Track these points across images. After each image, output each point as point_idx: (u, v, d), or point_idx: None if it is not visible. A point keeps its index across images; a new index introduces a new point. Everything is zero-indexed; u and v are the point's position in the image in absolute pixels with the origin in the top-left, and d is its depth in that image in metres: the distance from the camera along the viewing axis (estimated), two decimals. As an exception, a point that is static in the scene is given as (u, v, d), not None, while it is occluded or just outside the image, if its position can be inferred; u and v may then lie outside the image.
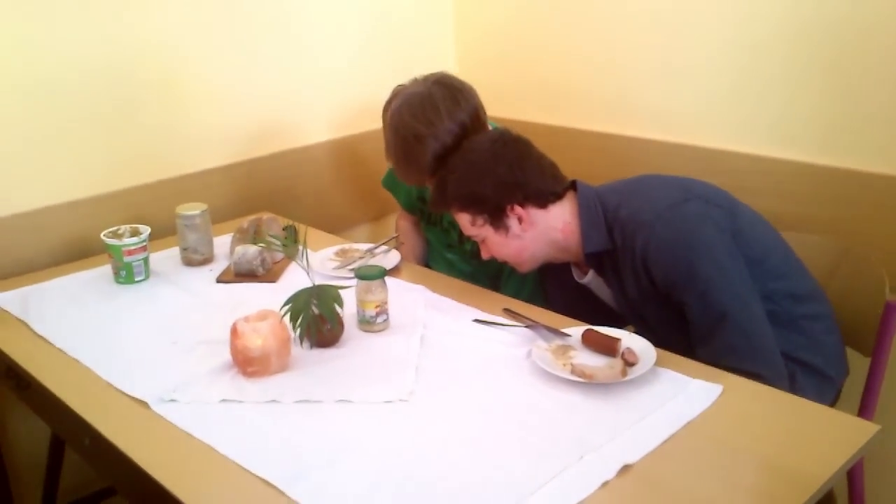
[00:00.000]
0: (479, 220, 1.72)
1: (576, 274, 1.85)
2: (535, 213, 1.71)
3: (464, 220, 1.75)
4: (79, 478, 2.17)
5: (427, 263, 2.31)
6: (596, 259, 1.74)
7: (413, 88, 1.89)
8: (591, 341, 1.58)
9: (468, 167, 1.73)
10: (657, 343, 1.56)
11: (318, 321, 1.57)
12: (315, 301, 1.56)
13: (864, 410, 1.80)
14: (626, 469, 1.22)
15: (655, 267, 1.61)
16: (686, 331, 1.63)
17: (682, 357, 1.55)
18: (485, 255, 1.79)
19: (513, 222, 1.71)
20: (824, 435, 1.32)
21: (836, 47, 1.98)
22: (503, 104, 2.37)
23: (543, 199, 1.72)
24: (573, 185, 1.75)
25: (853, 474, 1.81)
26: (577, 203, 1.72)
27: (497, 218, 1.71)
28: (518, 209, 1.70)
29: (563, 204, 1.74)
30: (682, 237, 1.60)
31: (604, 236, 1.69)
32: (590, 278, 1.81)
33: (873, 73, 1.95)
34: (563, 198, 1.74)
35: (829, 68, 2.00)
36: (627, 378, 1.44)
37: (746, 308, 1.58)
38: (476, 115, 1.89)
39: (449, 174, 1.74)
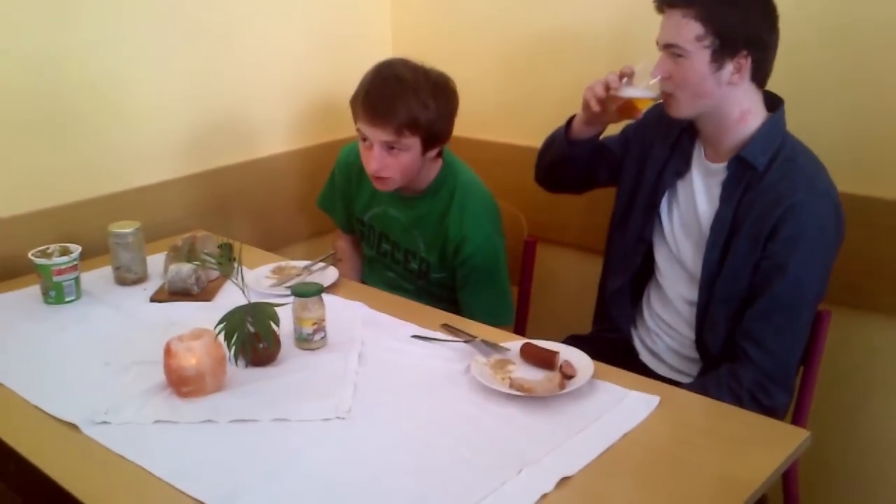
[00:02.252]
0: (707, 41, 1.61)
1: (707, 154, 1.78)
2: (747, 77, 1.65)
3: (688, 28, 1.62)
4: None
5: (364, 282, 2.30)
6: (737, 166, 1.69)
7: None
8: (529, 355, 1.59)
9: None
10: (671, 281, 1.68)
11: (253, 339, 1.55)
12: (250, 319, 1.54)
13: (798, 418, 1.84)
14: (564, 482, 1.23)
15: (792, 225, 1.59)
16: (716, 288, 1.69)
17: (620, 369, 1.56)
18: (660, 71, 1.68)
19: (729, 67, 1.63)
20: (757, 442, 1.35)
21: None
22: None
23: (764, 75, 1.67)
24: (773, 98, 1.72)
25: (788, 479, 1.85)
26: (772, 115, 1.69)
27: (724, 52, 1.62)
28: (746, 60, 1.63)
29: (759, 97, 1.70)
30: (829, 228, 1.62)
31: (766, 157, 1.65)
32: (718, 168, 1.73)
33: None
34: (759, 94, 1.70)
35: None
36: (565, 391, 1.45)
37: (808, 321, 1.66)
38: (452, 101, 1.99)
39: None
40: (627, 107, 1.76)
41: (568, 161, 1.97)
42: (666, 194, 1.86)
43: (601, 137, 1.96)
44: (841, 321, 1.88)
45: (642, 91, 1.73)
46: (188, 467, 1.28)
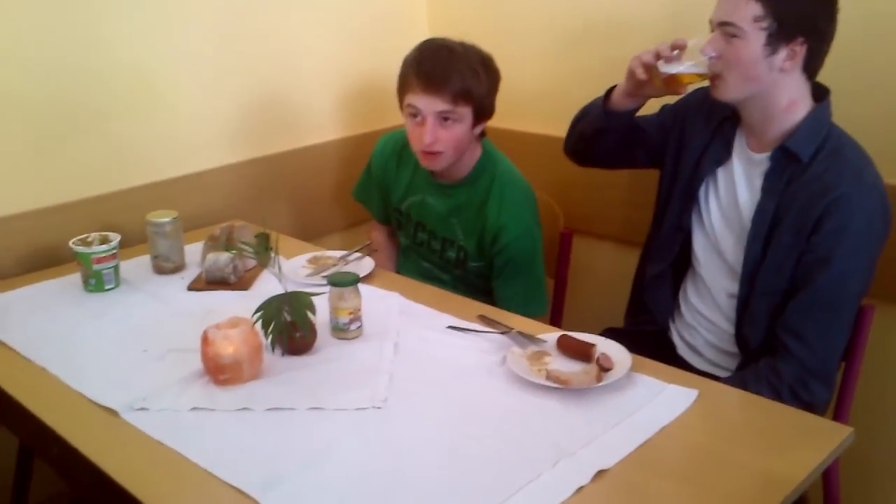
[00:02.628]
0: (765, 23, 1.58)
1: (750, 144, 1.75)
2: (799, 66, 1.63)
3: (747, 8, 1.58)
4: (48, 489, 2.12)
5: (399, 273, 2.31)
6: (781, 156, 1.66)
7: None
8: (566, 347, 1.58)
9: None
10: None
11: (289, 328, 1.55)
12: (287, 308, 1.54)
13: (840, 414, 1.82)
14: (600, 474, 1.22)
15: (837, 218, 1.57)
16: (758, 281, 1.67)
17: (658, 363, 1.55)
18: (711, 50, 1.64)
19: (783, 53, 1.60)
20: (799, 438, 1.32)
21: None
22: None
23: (816, 66, 1.65)
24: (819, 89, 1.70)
25: (828, 477, 1.82)
26: (818, 105, 1.66)
27: (781, 37, 1.59)
28: (801, 48, 1.60)
29: (807, 88, 1.67)
30: (875, 221, 1.60)
31: (811, 148, 1.63)
32: (761, 158, 1.70)
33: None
34: (808, 86, 1.67)
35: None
36: (603, 383, 1.44)
37: (851, 316, 1.64)
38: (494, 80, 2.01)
39: None
40: (673, 80, 1.72)
41: (601, 133, 1.93)
42: (705, 183, 1.83)
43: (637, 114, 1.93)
44: (884, 317, 1.84)
45: (691, 66, 1.69)
46: (224, 454, 1.29)
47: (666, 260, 1.93)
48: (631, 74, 1.78)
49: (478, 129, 2.01)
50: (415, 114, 1.96)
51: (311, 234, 2.50)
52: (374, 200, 2.32)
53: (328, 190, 2.66)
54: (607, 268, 2.49)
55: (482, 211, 2.05)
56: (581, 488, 1.19)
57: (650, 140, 1.95)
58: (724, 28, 1.63)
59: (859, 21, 1.89)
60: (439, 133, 1.94)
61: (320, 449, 1.30)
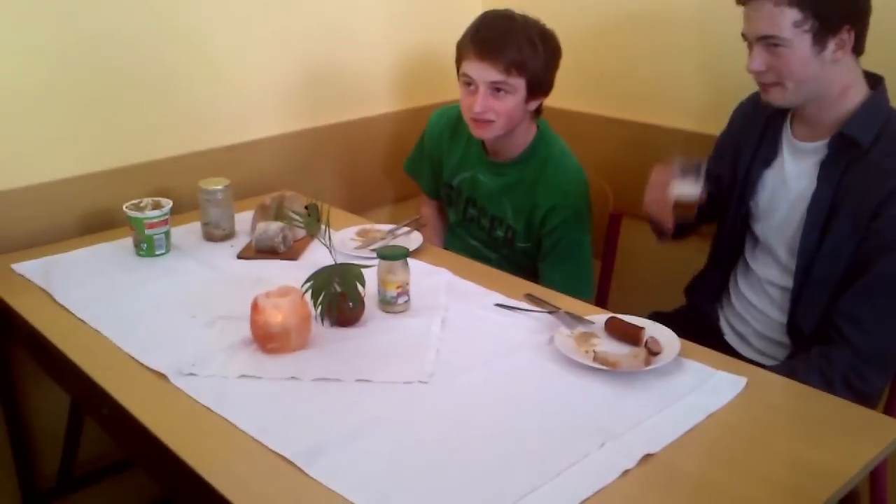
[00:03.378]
0: (807, 25, 1.55)
1: (795, 133, 1.74)
2: (849, 51, 1.59)
3: (784, 16, 1.55)
4: (98, 448, 2.17)
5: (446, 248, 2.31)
6: (840, 143, 1.63)
7: None
8: (614, 329, 1.57)
9: None
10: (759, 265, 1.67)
11: (339, 299, 1.56)
12: (337, 279, 1.55)
13: (892, 407, 1.78)
14: (647, 458, 1.21)
15: (894, 205, 1.54)
16: (814, 269, 1.65)
17: (706, 348, 1.53)
18: (757, 66, 1.63)
19: (832, 45, 1.57)
20: (850, 431, 1.30)
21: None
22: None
23: (862, 43, 1.61)
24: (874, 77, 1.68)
25: (877, 475, 1.79)
26: (876, 91, 1.64)
27: (825, 32, 1.55)
28: (849, 35, 1.56)
29: (859, 68, 1.64)
30: None
31: (871, 132, 1.59)
32: (809, 147, 1.69)
33: None
34: (859, 66, 1.64)
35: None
36: (651, 367, 1.43)
37: None
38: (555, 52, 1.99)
39: None
40: (680, 206, 1.73)
41: (687, 227, 1.94)
42: (757, 183, 1.80)
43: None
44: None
45: (690, 188, 1.70)
46: (271, 422, 1.30)
47: (721, 265, 1.93)
48: (657, 225, 1.80)
49: (532, 105, 1.99)
50: (469, 82, 1.96)
51: (360, 206, 2.51)
52: (424, 174, 2.32)
53: (379, 163, 2.67)
54: (655, 252, 2.45)
55: (533, 191, 2.04)
56: (627, 471, 1.18)
57: (725, 185, 1.91)
58: (765, 41, 1.60)
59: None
60: (491, 102, 1.93)
61: (366, 421, 1.30)
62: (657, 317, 1.74)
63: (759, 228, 1.80)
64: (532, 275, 2.10)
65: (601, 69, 2.56)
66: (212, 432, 1.31)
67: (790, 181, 1.72)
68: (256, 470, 1.22)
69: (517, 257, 2.14)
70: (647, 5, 2.39)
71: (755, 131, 1.81)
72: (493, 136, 2.00)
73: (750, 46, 1.65)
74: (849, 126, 1.61)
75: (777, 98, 1.66)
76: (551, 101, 2.09)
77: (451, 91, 2.08)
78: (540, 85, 1.96)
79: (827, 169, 1.65)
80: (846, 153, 1.62)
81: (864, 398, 1.56)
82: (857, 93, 1.63)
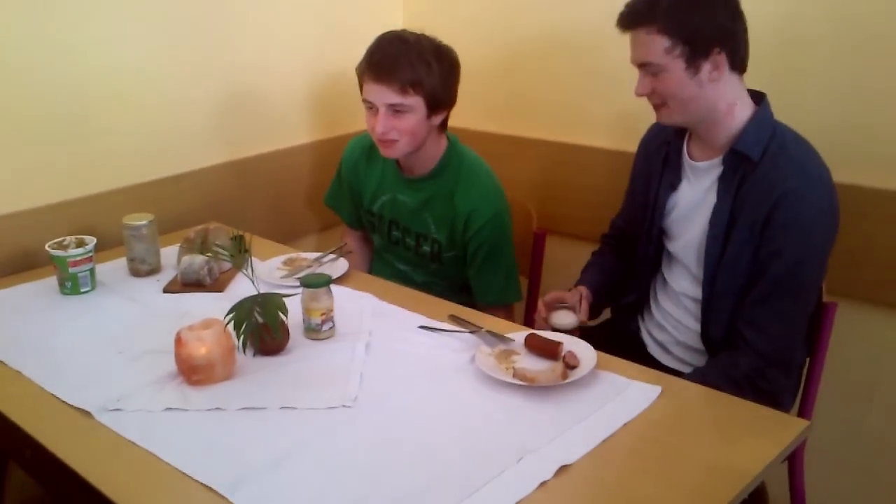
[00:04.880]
0: (677, 51, 1.63)
1: (693, 154, 1.80)
2: (725, 71, 1.66)
3: (656, 43, 1.63)
4: (24, 493, 2.14)
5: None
6: (732, 159, 1.70)
7: None
8: (533, 345, 1.61)
9: None
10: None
11: (261, 329, 1.58)
12: (258, 309, 1.56)
13: (804, 409, 1.86)
14: (563, 469, 1.25)
15: (785, 211, 1.61)
16: (718, 281, 1.72)
17: (623, 360, 1.58)
18: (642, 90, 1.71)
19: (706, 67, 1.64)
20: (757, 431, 1.36)
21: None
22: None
23: (742, 62, 1.68)
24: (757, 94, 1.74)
25: (794, 473, 1.86)
26: (759, 105, 1.71)
27: (697, 56, 1.63)
28: (720, 56, 1.63)
29: (742, 86, 1.71)
30: (823, 212, 1.63)
31: (759, 147, 1.66)
32: (704, 166, 1.76)
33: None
34: (742, 80, 1.71)
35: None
36: (568, 381, 1.47)
37: (807, 306, 1.68)
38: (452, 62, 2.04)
39: None
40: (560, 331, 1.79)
41: (616, 288, 2.03)
42: (665, 205, 1.88)
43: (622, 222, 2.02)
44: (847, 313, 1.88)
45: (568, 319, 1.82)
46: (197, 453, 1.31)
47: (639, 289, 2.00)
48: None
49: (436, 120, 2.04)
50: (370, 105, 2.01)
51: (287, 236, 2.53)
52: (345, 205, 2.35)
53: (303, 192, 2.69)
54: (580, 267, 2.51)
55: (451, 201, 2.09)
56: (544, 483, 1.22)
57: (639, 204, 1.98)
58: (645, 68, 1.69)
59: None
60: (392, 122, 1.98)
61: (291, 447, 1.32)
62: (582, 332, 1.80)
63: (672, 246, 1.88)
64: (464, 291, 2.16)
65: (516, 91, 2.62)
66: (138, 467, 1.31)
67: (695, 200, 1.80)
68: (181, 501, 1.23)
69: (446, 270, 2.18)
70: (565, 25, 2.46)
71: (658, 157, 1.90)
72: (399, 154, 2.06)
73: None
74: (739, 142, 1.69)
75: (666, 117, 1.74)
76: (469, 123, 2.15)
77: (360, 122, 2.13)
78: (439, 100, 2.01)
79: (724, 183, 1.73)
80: (740, 168, 1.70)
81: (772, 398, 1.64)
82: (744, 110, 1.72)
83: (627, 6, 1.69)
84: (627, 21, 1.68)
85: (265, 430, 1.38)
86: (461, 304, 1.91)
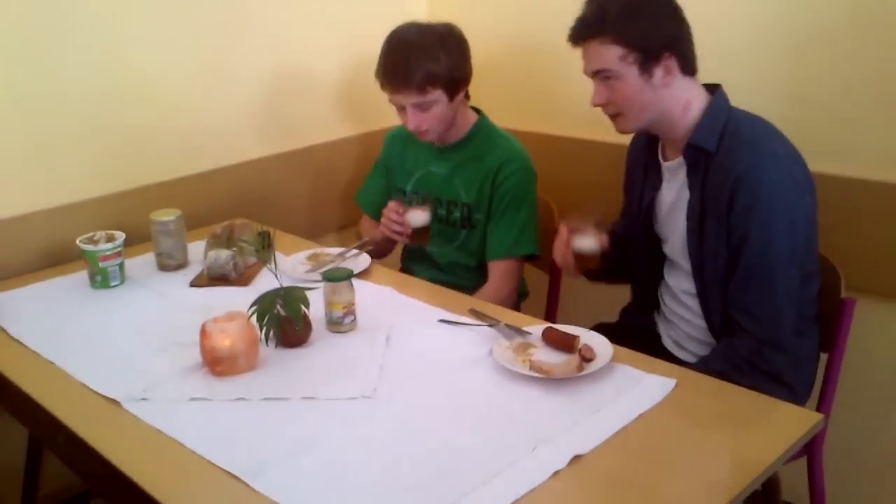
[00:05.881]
0: (631, 58, 1.68)
1: (664, 155, 1.85)
2: (677, 74, 1.71)
3: (610, 52, 1.69)
4: (59, 481, 2.20)
5: (403, 267, 2.39)
6: (691, 153, 1.74)
7: None
8: (550, 339, 1.63)
9: (640, 1, 1.71)
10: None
11: (284, 321, 1.62)
12: (281, 302, 1.60)
13: (822, 405, 1.86)
14: (577, 459, 1.27)
15: (743, 194, 1.63)
16: (704, 273, 1.75)
17: (639, 353, 1.60)
18: (599, 99, 1.76)
19: (659, 72, 1.70)
20: (770, 424, 1.38)
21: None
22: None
23: (691, 64, 1.74)
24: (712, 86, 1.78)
25: (813, 471, 1.87)
26: (711, 97, 1.75)
27: (648, 61, 1.69)
28: (671, 61, 1.69)
29: (696, 85, 1.76)
30: (783, 186, 1.64)
31: (713, 137, 1.71)
32: (674, 165, 1.81)
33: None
34: (695, 79, 1.76)
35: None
36: (584, 373, 1.49)
37: (789, 279, 1.68)
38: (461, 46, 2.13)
39: (610, 2, 1.70)
40: (581, 259, 1.86)
41: (614, 272, 2.05)
42: (654, 208, 1.91)
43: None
44: (866, 309, 1.89)
45: (589, 242, 1.84)
46: (220, 442, 1.35)
47: (645, 284, 2.05)
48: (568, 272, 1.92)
49: (458, 98, 2.14)
50: (396, 104, 2.11)
51: (313, 231, 2.57)
52: (373, 192, 2.39)
53: (329, 188, 2.73)
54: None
55: (481, 162, 2.19)
56: (557, 472, 1.24)
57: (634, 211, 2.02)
58: (600, 75, 1.73)
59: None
60: (420, 117, 2.09)
61: (311, 437, 1.36)
62: (601, 327, 1.83)
63: (666, 247, 1.92)
64: (485, 265, 2.23)
65: (539, 86, 2.64)
66: (163, 454, 1.36)
67: (672, 199, 1.84)
68: (205, 487, 1.27)
69: (473, 239, 2.24)
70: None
71: (640, 166, 1.96)
72: (435, 137, 2.17)
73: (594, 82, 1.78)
74: (694, 136, 1.73)
75: (623, 126, 1.80)
76: (493, 119, 2.18)
77: (396, 117, 2.17)
78: (457, 83, 2.11)
79: (691, 178, 1.77)
80: (701, 160, 1.73)
81: (773, 377, 1.66)
82: (698, 105, 1.75)
83: (577, 21, 1.75)
84: (579, 35, 1.75)
85: (286, 419, 1.42)
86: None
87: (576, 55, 2.48)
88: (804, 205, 1.68)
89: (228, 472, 1.27)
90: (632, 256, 2.04)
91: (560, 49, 2.53)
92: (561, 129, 2.59)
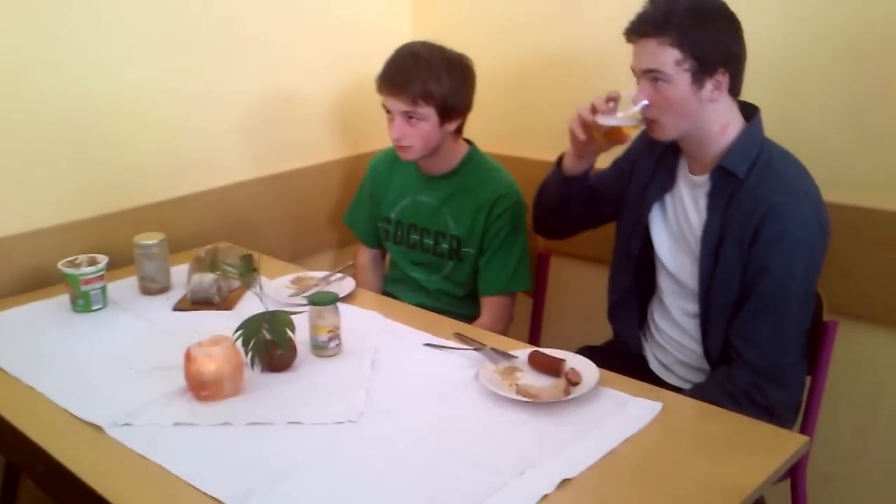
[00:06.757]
0: (687, 64, 1.66)
1: (691, 168, 1.82)
2: (725, 92, 1.70)
3: (667, 54, 1.66)
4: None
5: (386, 290, 2.38)
6: (720, 176, 1.74)
7: None
8: (537, 363, 1.63)
9: (708, 11, 1.67)
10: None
11: (269, 346, 1.61)
12: (267, 326, 1.60)
13: (806, 426, 1.87)
14: (565, 483, 1.27)
15: (771, 227, 1.64)
16: (712, 298, 1.75)
17: (625, 377, 1.60)
18: (644, 98, 1.71)
19: (709, 85, 1.68)
20: (756, 447, 1.38)
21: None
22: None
23: (739, 87, 1.73)
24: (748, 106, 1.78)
25: (796, 490, 1.88)
26: (749, 123, 1.74)
27: (703, 72, 1.66)
28: (724, 77, 1.67)
29: (736, 108, 1.75)
30: (809, 227, 1.66)
31: (746, 165, 1.70)
32: (702, 180, 1.77)
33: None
34: (736, 106, 1.75)
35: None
36: (570, 397, 1.49)
37: (799, 319, 1.70)
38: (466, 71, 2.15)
39: (678, 5, 1.66)
40: (613, 133, 1.79)
41: (566, 201, 2.00)
42: (655, 212, 1.90)
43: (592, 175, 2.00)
44: (848, 332, 1.90)
45: (628, 118, 1.76)
46: (205, 467, 1.34)
47: (619, 289, 2.03)
48: (572, 136, 1.84)
49: (450, 126, 2.14)
50: (388, 111, 2.12)
51: (297, 254, 2.57)
52: (363, 221, 2.40)
53: (314, 212, 2.72)
54: (585, 288, 2.54)
55: (473, 195, 2.18)
56: (546, 497, 1.24)
57: (613, 192, 2.02)
58: (650, 75, 1.70)
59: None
60: (406, 129, 2.09)
61: (297, 462, 1.35)
62: (587, 350, 1.82)
63: (664, 255, 1.90)
64: (473, 294, 2.23)
65: (522, 111, 2.66)
66: (147, 480, 1.34)
67: (688, 211, 1.83)
68: (189, 514, 1.26)
69: (461, 270, 2.23)
70: (567, 49, 2.50)
71: (651, 158, 1.92)
72: (414, 157, 2.16)
73: (638, 81, 1.75)
74: (726, 160, 1.73)
75: (658, 133, 1.77)
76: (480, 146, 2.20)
77: (384, 138, 2.18)
78: (451, 109, 2.11)
79: (714, 200, 1.76)
80: (728, 185, 1.73)
81: (769, 412, 1.66)
82: (734, 128, 1.75)
83: (638, 16, 1.71)
84: (639, 30, 1.70)
85: (272, 444, 1.41)
86: (468, 316, 1.93)
87: (557, 79, 2.53)
88: (823, 245, 1.70)
89: (214, 498, 1.26)
90: (613, 264, 2.04)
91: (543, 71, 2.58)
92: (540, 153, 2.60)
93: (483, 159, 2.24)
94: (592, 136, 1.81)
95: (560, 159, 1.97)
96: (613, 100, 1.77)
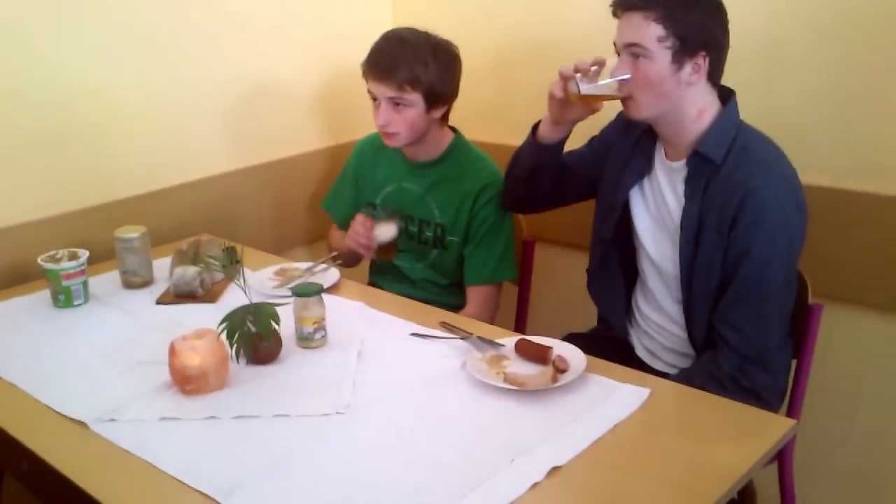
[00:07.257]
0: (669, 42, 1.65)
1: (667, 153, 1.82)
2: (704, 77, 1.70)
3: (651, 29, 1.65)
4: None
5: (371, 280, 2.37)
6: (696, 162, 1.73)
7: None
8: (523, 350, 1.63)
9: None
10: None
11: (254, 338, 1.59)
12: (251, 318, 1.58)
13: (792, 410, 1.88)
14: (554, 471, 1.27)
15: (750, 211, 1.64)
16: (694, 283, 1.75)
17: (613, 364, 1.60)
18: (622, 72, 1.70)
19: (689, 67, 1.67)
20: (744, 431, 1.39)
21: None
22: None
23: (718, 75, 1.73)
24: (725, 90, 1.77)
25: (783, 473, 1.89)
26: (725, 108, 1.74)
27: (685, 53, 1.66)
28: (704, 61, 1.67)
29: (713, 95, 1.75)
30: (787, 210, 1.66)
31: (722, 150, 1.70)
32: (679, 165, 1.77)
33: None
34: (714, 92, 1.75)
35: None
36: (557, 384, 1.49)
37: (781, 302, 1.71)
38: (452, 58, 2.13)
39: None
40: (590, 97, 1.77)
41: (536, 171, 1.99)
42: (637, 197, 1.90)
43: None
44: (832, 315, 1.91)
45: (603, 88, 1.75)
46: (192, 462, 1.33)
47: (593, 267, 2.05)
48: (550, 97, 1.83)
49: (436, 113, 2.13)
50: (373, 97, 2.10)
51: (280, 246, 2.55)
52: (342, 205, 2.38)
53: (297, 202, 2.71)
54: (569, 275, 2.53)
55: (459, 183, 2.17)
56: (536, 484, 1.24)
57: (585, 171, 2.02)
58: (631, 49, 1.70)
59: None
60: (392, 116, 2.08)
61: (284, 454, 1.34)
62: (572, 338, 1.82)
63: (645, 241, 1.90)
64: (457, 283, 2.22)
65: (506, 98, 2.65)
66: (134, 476, 1.33)
67: (666, 196, 1.83)
68: (177, 509, 1.25)
69: (446, 258, 2.22)
70: (549, 34, 2.49)
71: (629, 139, 1.92)
72: (400, 143, 2.15)
73: (619, 56, 1.74)
74: (702, 145, 1.73)
75: (633, 112, 1.76)
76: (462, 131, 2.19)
77: (366, 128, 2.17)
78: (437, 95, 2.09)
79: (691, 186, 1.76)
80: (705, 170, 1.73)
81: (755, 395, 1.66)
82: (710, 114, 1.75)
83: None
84: (626, 3, 1.69)
85: (259, 437, 1.40)
86: (453, 305, 1.93)
87: (540, 67, 2.52)
88: (802, 228, 1.71)
89: (202, 493, 1.25)
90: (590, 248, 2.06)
91: (524, 61, 2.57)
92: (520, 139, 2.60)
93: (468, 147, 2.23)
94: (569, 98, 1.80)
95: (536, 127, 1.96)
96: (598, 64, 1.75)
